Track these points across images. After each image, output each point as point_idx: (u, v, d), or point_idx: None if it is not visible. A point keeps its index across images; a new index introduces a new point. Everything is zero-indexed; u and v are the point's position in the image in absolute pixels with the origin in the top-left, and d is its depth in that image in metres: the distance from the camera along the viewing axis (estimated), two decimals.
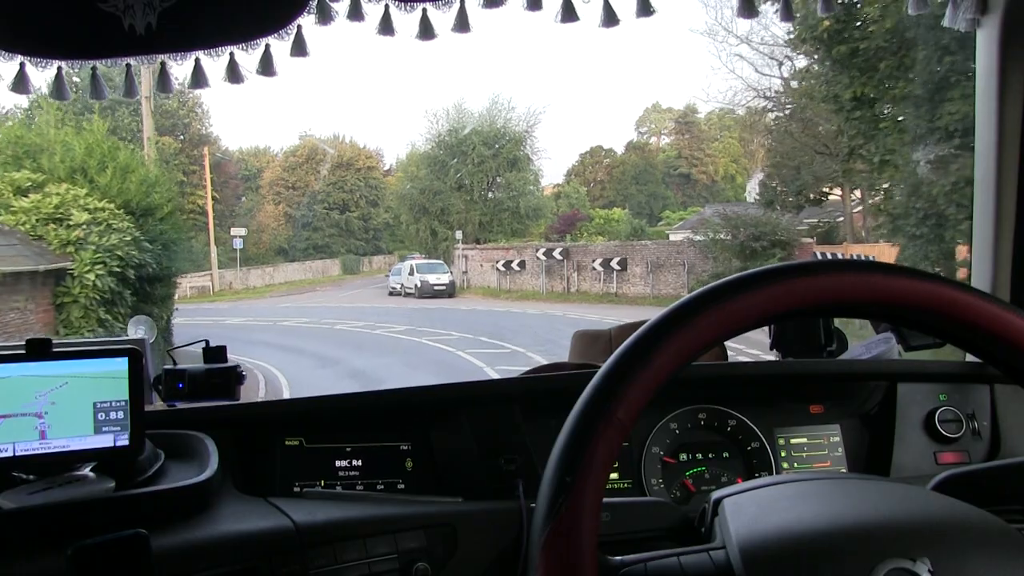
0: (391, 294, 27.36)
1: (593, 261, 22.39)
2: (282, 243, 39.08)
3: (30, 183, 9.01)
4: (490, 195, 32.31)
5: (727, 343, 1.21)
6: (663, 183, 42.20)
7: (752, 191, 35.86)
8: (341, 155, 40.94)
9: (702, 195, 41.25)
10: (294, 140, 43.82)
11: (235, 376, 1.27)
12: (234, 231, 32.05)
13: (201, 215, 32.20)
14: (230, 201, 37.42)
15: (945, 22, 1.34)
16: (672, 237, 25.43)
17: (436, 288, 25.51)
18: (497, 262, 25.86)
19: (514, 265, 25.29)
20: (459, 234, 29.83)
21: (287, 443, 1.23)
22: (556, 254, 23.39)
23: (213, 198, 34.57)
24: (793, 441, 1.36)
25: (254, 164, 42.75)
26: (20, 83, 1.22)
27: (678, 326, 0.61)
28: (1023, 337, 0.61)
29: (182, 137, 34.20)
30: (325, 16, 1.23)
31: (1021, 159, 1.31)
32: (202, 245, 32.98)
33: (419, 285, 25.72)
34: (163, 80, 1.30)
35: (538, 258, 24.10)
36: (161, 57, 1.22)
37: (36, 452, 1.02)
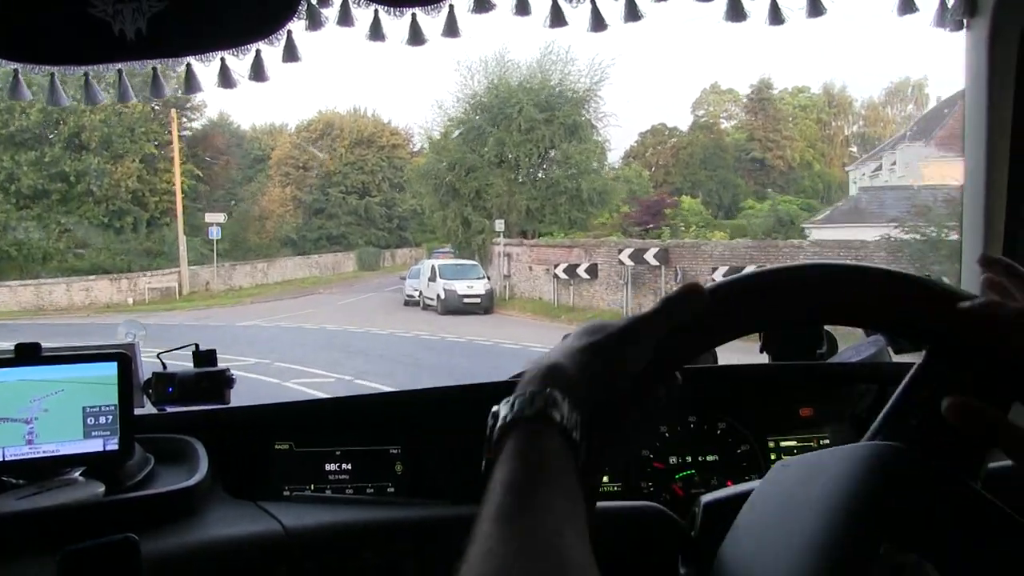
0: (407, 303, 22.38)
1: (713, 271, 14.15)
2: (290, 232, 34.46)
3: None
4: (541, 173, 26.12)
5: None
6: (733, 169, 37.67)
7: (874, 174, 26.88)
8: (361, 131, 36.56)
9: (777, 183, 37.16)
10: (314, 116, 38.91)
11: (225, 380, 1.35)
12: (210, 217, 25.36)
13: (184, 196, 27.29)
14: (220, 181, 30.12)
15: (932, 23, 1.40)
16: (814, 235, 17.25)
17: (466, 301, 19.73)
18: (555, 265, 19.71)
19: (580, 271, 18.95)
20: (499, 224, 23.83)
21: (277, 447, 1.31)
22: (650, 257, 15.17)
23: (198, 177, 28.17)
24: (783, 444, 1.42)
25: (268, 143, 39.23)
26: (15, 90, 1.32)
27: None
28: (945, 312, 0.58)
29: (154, 101, 26.79)
30: (315, 22, 1.29)
31: (1011, 161, 1.37)
32: (175, 235, 26.45)
33: (442, 296, 20.01)
34: (156, 85, 1.38)
35: (621, 262, 17.54)
36: (152, 62, 1.29)
37: (25, 457, 1.10)
